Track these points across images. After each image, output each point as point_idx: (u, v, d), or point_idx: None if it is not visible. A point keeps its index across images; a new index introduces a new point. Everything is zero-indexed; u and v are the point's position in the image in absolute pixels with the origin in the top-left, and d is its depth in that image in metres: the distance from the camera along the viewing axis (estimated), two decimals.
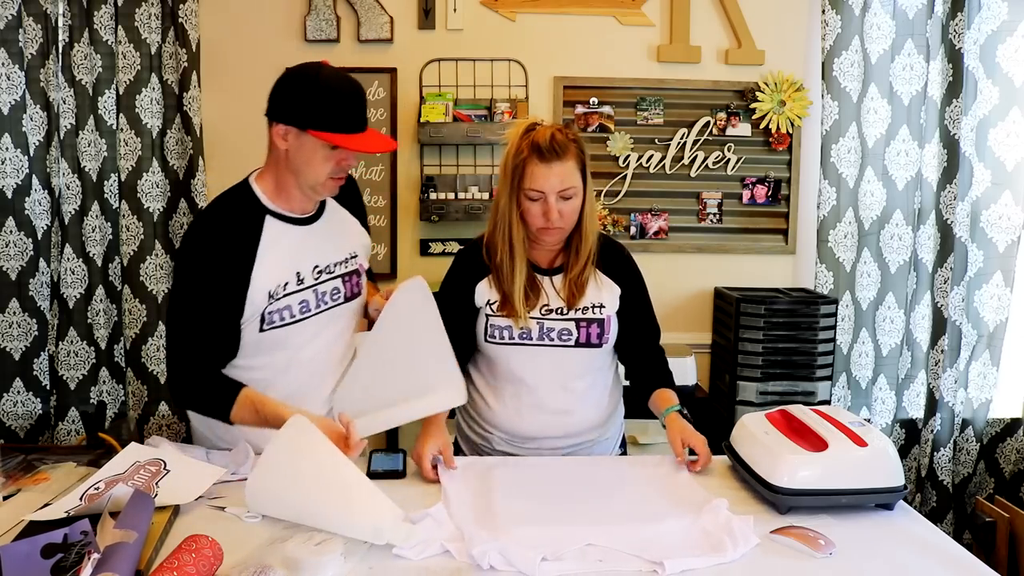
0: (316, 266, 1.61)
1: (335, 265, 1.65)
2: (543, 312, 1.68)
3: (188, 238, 1.58)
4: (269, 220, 1.57)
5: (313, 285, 1.60)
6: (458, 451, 1.88)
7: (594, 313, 1.68)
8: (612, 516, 1.36)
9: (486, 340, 1.69)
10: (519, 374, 1.70)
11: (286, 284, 1.56)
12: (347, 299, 1.67)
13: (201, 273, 1.52)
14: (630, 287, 1.74)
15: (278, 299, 1.55)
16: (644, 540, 1.26)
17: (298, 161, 1.53)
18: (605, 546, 1.24)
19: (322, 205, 1.66)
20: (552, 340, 1.67)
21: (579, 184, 1.61)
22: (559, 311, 1.68)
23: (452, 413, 1.78)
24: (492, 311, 1.68)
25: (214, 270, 1.51)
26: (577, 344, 1.68)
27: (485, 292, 1.69)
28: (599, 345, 1.69)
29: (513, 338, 1.67)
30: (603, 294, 1.70)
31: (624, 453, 1.88)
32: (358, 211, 1.77)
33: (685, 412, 1.68)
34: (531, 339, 1.67)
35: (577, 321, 1.67)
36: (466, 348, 1.73)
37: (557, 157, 1.57)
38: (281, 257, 1.56)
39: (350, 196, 1.74)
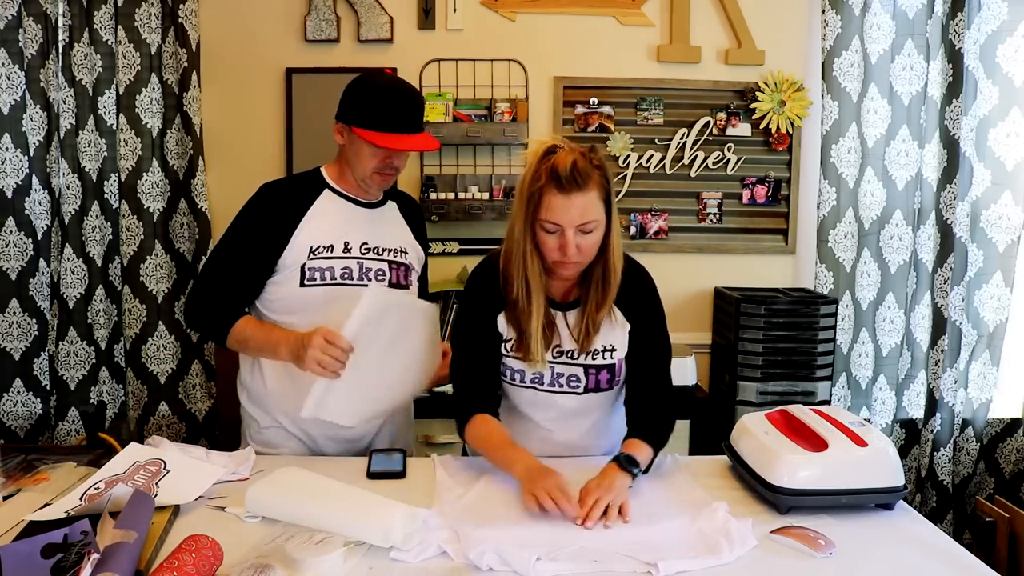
0: (365, 243, 1.73)
1: (384, 250, 1.76)
2: (555, 355, 1.59)
3: (256, 194, 1.74)
4: (327, 192, 1.74)
5: (359, 257, 1.72)
6: (465, 451, 1.88)
7: (604, 358, 1.60)
8: (608, 517, 1.36)
9: (500, 377, 1.65)
10: (528, 413, 1.66)
11: (331, 247, 1.69)
12: (392, 284, 1.76)
13: (250, 218, 1.70)
14: (642, 322, 1.61)
15: (319, 257, 1.68)
16: (639, 541, 1.26)
17: (349, 154, 1.71)
18: (600, 547, 1.24)
19: (384, 202, 1.81)
20: (561, 387, 1.61)
21: (601, 217, 1.47)
22: (570, 355, 1.59)
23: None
24: (506, 351, 1.61)
25: (263, 217, 1.68)
26: (585, 390, 1.61)
27: (503, 327, 1.60)
28: (608, 389, 1.63)
29: (525, 382, 1.62)
30: (615, 334, 1.60)
31: None
32: (418, 231, 1.88)
33: (634, 471, 1.44)
34: (542, 384, 1.61)
35: (586, 368, 1.59)
36: (494, 379, 1.64)
37: (578, 188, 1.42)
38: (331, 222, 1.71)
39: (414, 216, 1.88)
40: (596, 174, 1.45)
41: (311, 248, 1.68)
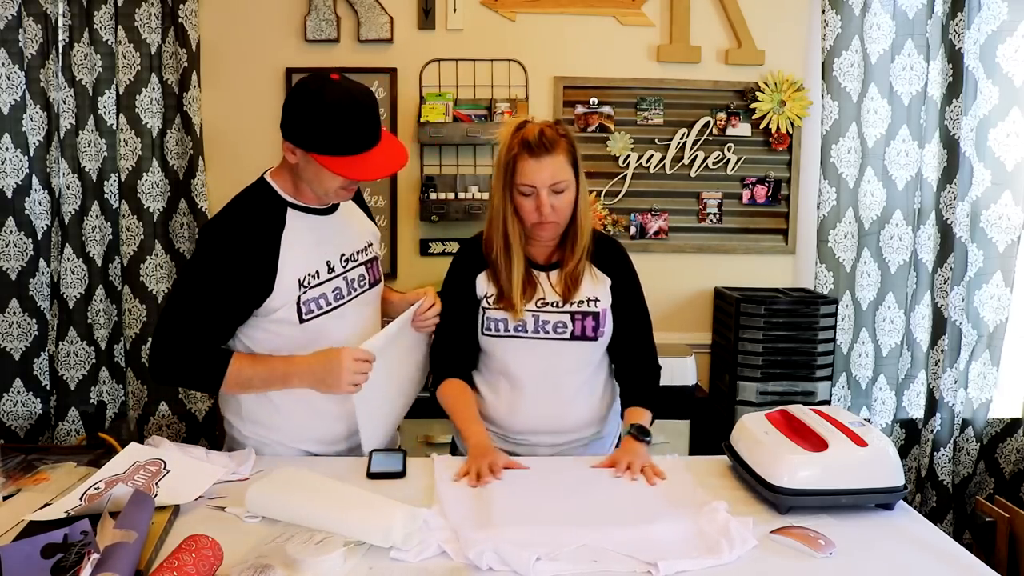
0: (343, 254, 1.67)
1: (358, 253, 1.71)
2: (539, 305, 1.70)
3: (209, 229, 1.60)
4: (291, 211, 1.61)
5: (343, 273, 1.66)
6: (455, 450, 1.89)
7: (589, 306, 1.70)
8: (608, 516, 1.36)
9: (483, 333, 1.72)
10: (513, 369, 1.71)
11: (317, 273, 1.61)
12: (371, 285, 1.74)
13: (220, 259, 1.54)
14: (620, 279, 1.76)
15: (311, 287, 1.60)
16: (639, 541, 1.26)
17: (308, 175, 1.57)
18: (600, 547, 1.24)
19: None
20: (547, 333, 1.69)
21: (570, 178, 1.64)
22: (554, 304, 1.70)
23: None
24: (489, 304, 1.71)
25: (236, 257, 1.54)
26: (572, 337, 1.69)
27: (484, 285, 1.73)
28: (594, 338, 1.70)
29: (509, 331, 1.70)
30: (598, 288, 1.72)
31: None
32: (364, 206, 1.84)
33: (647, 436, 1.63)
34: (526, 332, 1.70)
35: (572, 314, 1.69)
36: (470, 341, 1.75)
37: (547, 151, 1.60)
38: (308, 246, 1.61)
39: (358, 196, 1.81)
40: (562, 140, 1.63)
41: (299, 280, 1.58)
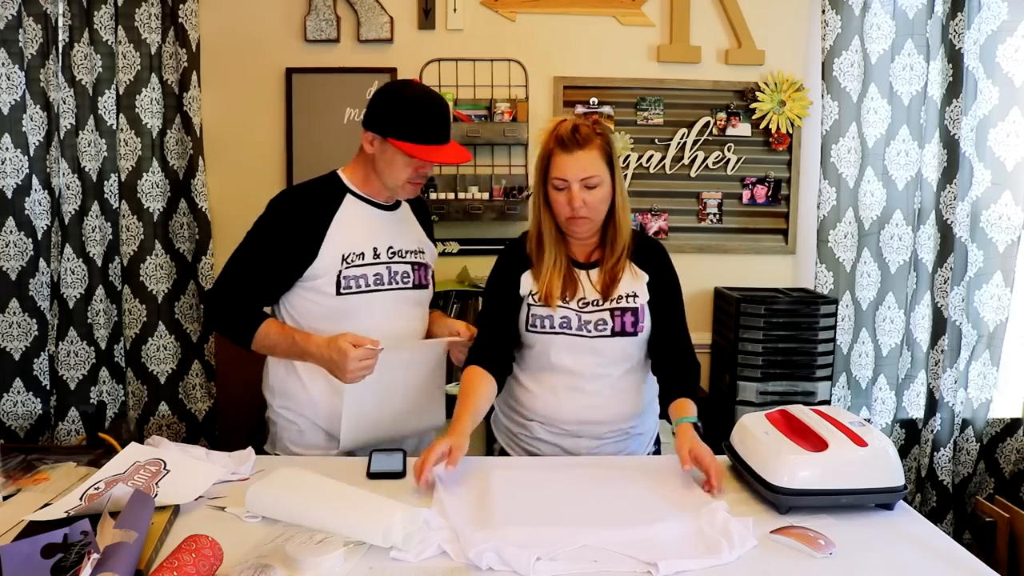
0: (391, 247, 1.78)
1: (407, 252, 1.82)
2: (580, 305, 1.71)
3: (273, 200, 1.75)
4: (350, 197, 1.76)
5: (387, 262, 1.77)
6: (492, 442, 1.91)
7: (628, 302, 1.71)
8: (608, 517, 1.36)
9: (527, 329, 1.73)
10: (558, 361, 1.72)
11: (363, 254, 1.73)
12: (414, 286, 1.82)
13: (274, 224, 1.72)
14: (659, 276, 1.76)
15: (353, 265, 1.72)
16: (639, 541, 1.26)
17: (381, 164, 1.73)
18: (600, 547, 1.24)
19: (398, 203, 1.86)
20: (590, 331, 1.70)
21: (604, 174, 1.64)
22: (595, 303, 1.71)
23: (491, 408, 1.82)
24: (534, 301, 1.72)
25: (288, 224, 1.70)
26: (613, 333, 1.70)
27: (528, 283, 1.74)
28: (634, 333, 1.71)
29: (554, 327, 1.71)
30: (636, 284, 1.73)
31: (657, 452, 1.89)
32: (428, 228, 1.96)
33: (699, 425, 1.66)
34: (570, 328, 1.71)
35: (612, 311, 1.71)
36: (510, 336, 1.76)
37: (578, 146, 1.62)
38: (359, 229, 1.75)
39: (423, 214, 1.95)
40: (597, 138, 1.65)
41: (343, 256, 1.71)
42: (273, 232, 1.72)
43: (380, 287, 1.75)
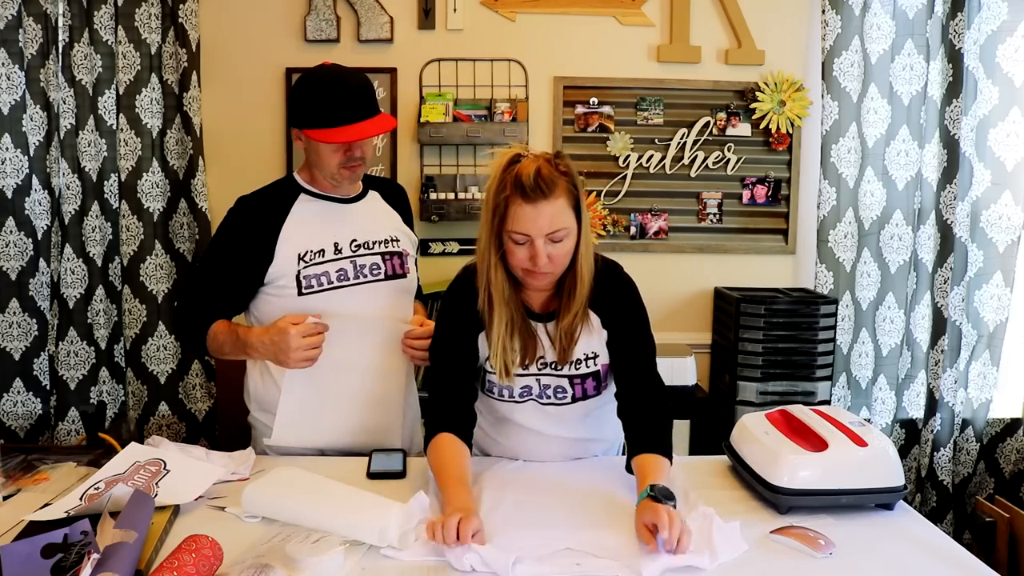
0: (354, 240, 1.73)
1: (374, 243, 1.76)
2: (539, 367, 1.56)
3: (228, 212, 1.74)
4: (303, 196, 1.74)
5: (351, 256, 1.72)
6: None
7: (587, 367, 1.56)
8: (591, 520, 1.35)
9: (486, 393, 1.62)
10: (522, 422, 1.62)
11: (322, 251, 1.70)
12: (388, 276, 1.76)
13: (227, 232, 1.71)
14: (620, 326, 1.56)
15: (313, 264, 1.68)
16: (623, 545, 1.25)
17: (312, 157, 1.72)
18: (583, 550, 1.23)
19: (365, 193, 1.82)
20: (549, 397, 1.58)
21: (571, 224, 1.43)
22: (554, 366, 1.56)
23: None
24: (491, 369, 1.56)
25: (239, 229, 1.69)
26: (573, 400, 1.58)
27: (484, 347, 1.57)
28: (597, 394, 1.60)
29: (514, 396, 1.59)
30: (594, 340, 1.56)
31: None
32: (406, 215, 1.90)
33: (673, 504, 1.29)
34: (531, 395, 1.59)
35: (571, 378, 1.56)
36: (470, 395, 1.58)
37: (543, 196, 1.38)
38: (315, 226, 1.71)
39: (399, 200, 1.89)
40: (563, 180, 1.42)
41: (299, 255, 1.68)
42: (228, 238, 1.71)
43: (345, 283, 1.70)
